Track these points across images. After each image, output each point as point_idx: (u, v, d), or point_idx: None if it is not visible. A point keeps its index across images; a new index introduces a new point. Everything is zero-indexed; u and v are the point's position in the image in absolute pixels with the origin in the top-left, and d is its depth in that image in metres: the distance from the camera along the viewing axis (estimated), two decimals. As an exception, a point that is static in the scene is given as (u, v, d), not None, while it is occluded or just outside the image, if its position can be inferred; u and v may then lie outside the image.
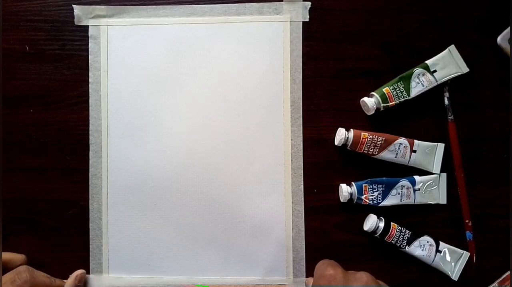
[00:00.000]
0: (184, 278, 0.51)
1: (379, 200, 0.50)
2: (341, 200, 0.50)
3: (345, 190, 0.49)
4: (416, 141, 0.50)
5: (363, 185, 0.50)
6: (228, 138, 0.51)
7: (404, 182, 0.50)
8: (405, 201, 0.50)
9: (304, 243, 0.51)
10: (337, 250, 0.51)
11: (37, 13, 0.52)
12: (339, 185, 0.51)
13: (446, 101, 0.51)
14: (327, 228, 0.51)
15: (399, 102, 0.50)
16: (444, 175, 0.51)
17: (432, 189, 0.50)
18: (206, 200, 0.51)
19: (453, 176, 0.51)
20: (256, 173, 0.51)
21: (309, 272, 0.51)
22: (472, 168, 0.51)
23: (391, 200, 0.50)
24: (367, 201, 0.49)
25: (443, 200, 0.51)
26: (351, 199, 0.50)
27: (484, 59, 0.52)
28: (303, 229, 0.51)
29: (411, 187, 0.50)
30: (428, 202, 0.50)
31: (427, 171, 0.51)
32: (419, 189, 0.50)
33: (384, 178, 0.50)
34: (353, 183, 0.50)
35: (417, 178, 0.50)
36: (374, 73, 0.52)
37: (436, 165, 0.51)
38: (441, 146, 0.51)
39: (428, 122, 0.51)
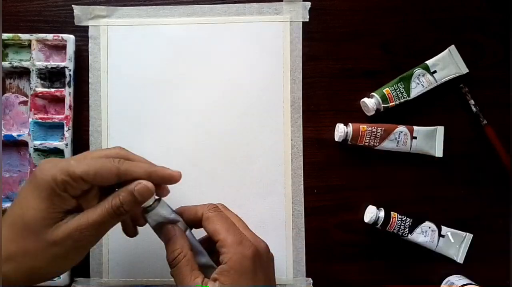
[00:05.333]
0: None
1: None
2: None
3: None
4: (415, 127, 0.50)
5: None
6: (228, 138, 0.51)
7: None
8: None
9: (304, 243, 0.51)
10: (337, 250, 0.51)
11: (37, 14, 0.52)
12: (339, 184, 0.51)
13: (474, 109, 0.51)
14: (327, 228, 0.51)
15: (399, 103, 0.50)
16: (441, 128, 0.51)
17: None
18: (206, 200, 0.50)
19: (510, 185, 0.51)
20: (256, 173, 0.51)
21: (310, 272, 0.51)
22: (472, 168, 0.52)
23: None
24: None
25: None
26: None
27: (484, 59, 0.52)
28: (303, 229, 0.51)
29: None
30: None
31: (428, 155, 0.51)
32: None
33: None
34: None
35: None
36: (374, 73, 0.52)
37: (438, 149, 0.51)
38: (440, 129, 0.51)
39: (428, 122, 0.51)
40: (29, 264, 0.33)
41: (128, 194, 0.35)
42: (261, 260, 0.37)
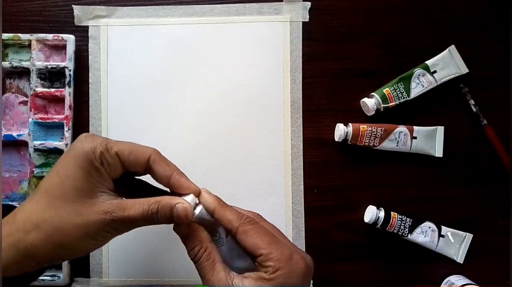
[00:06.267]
0: (185, 279, 0.51)
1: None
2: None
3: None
4: (415, 127, 0.50)
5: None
6: (228, 138, 0.51)
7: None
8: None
9: (304, 243, 0.51)
10: (337, 250, 0.51)
11: (37, 14, 0.52)
12: (339, 184, 0.51)
13: (474, 109, 0.51)
14: (327, 228, 0.51)
15: (399, 103, 0.50)
16: (441, 128, 0.51)
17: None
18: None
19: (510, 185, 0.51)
20: (256, 173, 0.51)
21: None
22: (472, 168, 0.52)
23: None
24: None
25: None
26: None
27: (484, 59, 0.52)
28: (303, 229, 0.51)
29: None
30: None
31: (428, 155, 0.51)
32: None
33: None
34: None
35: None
36: (374, 73, 0.52)
37: (438, 149, 0.51)
38: (440, 129, 0.51)
39: (428, 122, 0.51)
40: (59, 237, 0.32)
41: (168, 207, 0.34)
42: (309, 277, 0.35)
